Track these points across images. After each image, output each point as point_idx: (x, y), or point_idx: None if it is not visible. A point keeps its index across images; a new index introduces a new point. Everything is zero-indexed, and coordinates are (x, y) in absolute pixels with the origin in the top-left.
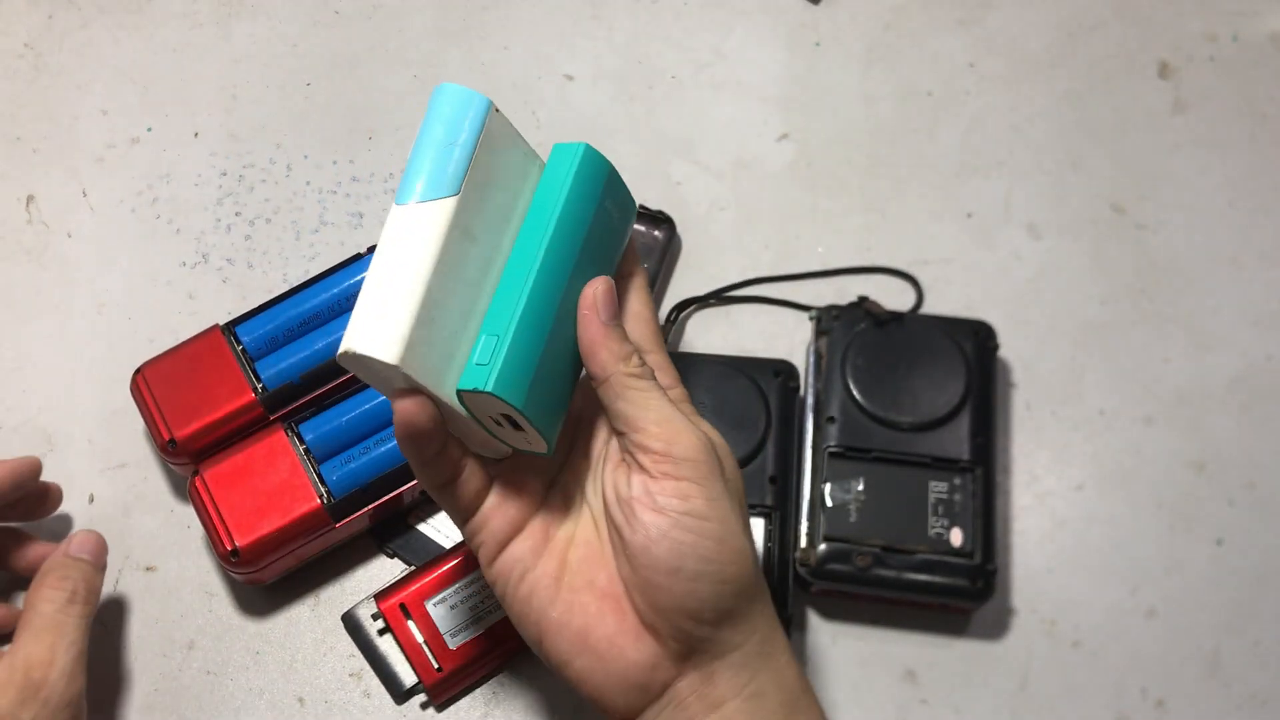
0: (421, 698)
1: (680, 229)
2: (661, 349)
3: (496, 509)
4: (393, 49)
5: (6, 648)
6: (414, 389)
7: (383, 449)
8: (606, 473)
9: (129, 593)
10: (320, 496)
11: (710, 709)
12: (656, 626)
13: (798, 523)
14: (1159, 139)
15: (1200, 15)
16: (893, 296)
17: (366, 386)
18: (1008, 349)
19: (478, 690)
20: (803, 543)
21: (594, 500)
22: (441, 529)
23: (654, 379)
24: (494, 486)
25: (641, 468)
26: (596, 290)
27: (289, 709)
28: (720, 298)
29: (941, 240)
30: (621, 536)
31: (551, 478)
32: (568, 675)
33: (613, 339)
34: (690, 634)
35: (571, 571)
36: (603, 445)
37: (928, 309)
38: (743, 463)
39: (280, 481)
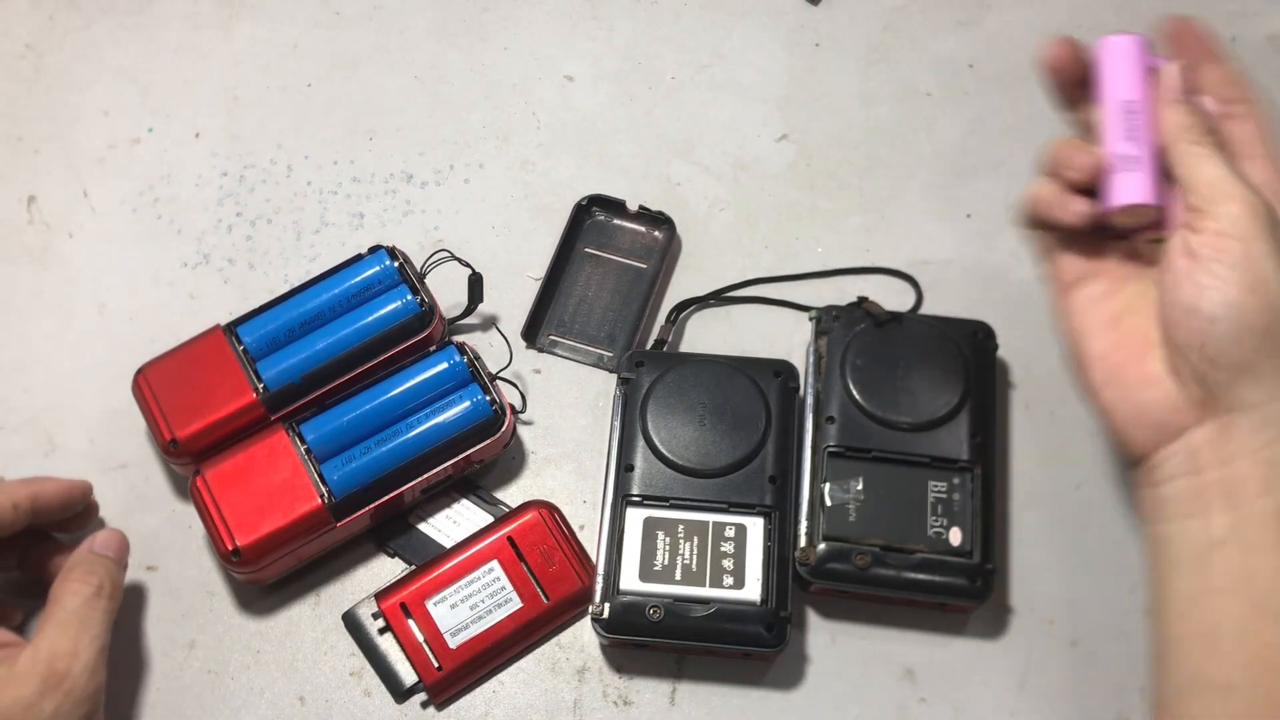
0: (422, 697)
1: (680, 229)
2: (1246, 100)
3: (1075, 249)
4: (393, 50)
5: (19, 640)
6: None
7: (383, 449)
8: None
9: (130, 592)
10: (321, 496)
11: (1222, 463)
12: (1178, 366)
13: (797, 522)
14: None
15: (1199, 16)
16: (892, 297)
17: (367, 386)
18: (1007, 349)
19: (478, 690)
20: (802, 542)
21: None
22: (441, 529)
23: (1214, 146)
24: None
25: (1189, 225)
26: (1170, 73)
27: (290, 708)
28: (720, 298)
29: (941, 240)
30: (1161, 281)
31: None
32: (1098, 402)
33: (1176, 113)
34: (1206, 376)
35: (1125, 317)
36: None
37: (927, 309)
38: (743, 462)
39: (281, 481)
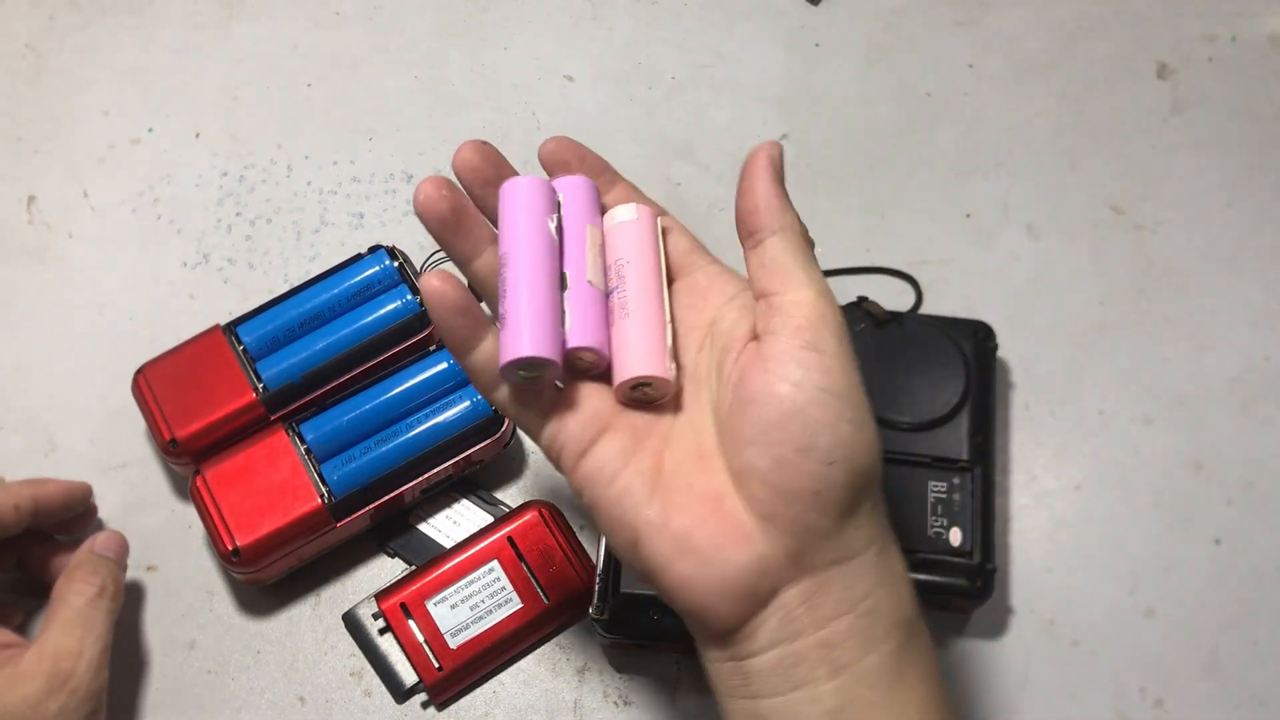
0: (422, 697)
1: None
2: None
3: (571, 411)
4: (393, 50)
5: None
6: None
7: (384, 449)
8: (733, 353)
9: (130, 592)
10: (321, 496)
11: (820, 624)
12: (776, 515)
13: None
14: (1157, 140)
15: (1199, 16)
16: (892, 296)
17: (367, 386)
18: (1007, 349)
19: (478, 690)
20: None
21: (693, 399)
22: (441, 529)
23: (811, 243)
24: (566, 389)
25: (776, 334)
26: (773, 152)
27: (290, 708)
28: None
29: (941, 240)
30: (747, 413)
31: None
32: (667, 582)
33: (780, 195)
34: (812, 525)
35: (669, 473)
36: (702, 341)
37: (927, 309)
38: None
39: (281, 481)
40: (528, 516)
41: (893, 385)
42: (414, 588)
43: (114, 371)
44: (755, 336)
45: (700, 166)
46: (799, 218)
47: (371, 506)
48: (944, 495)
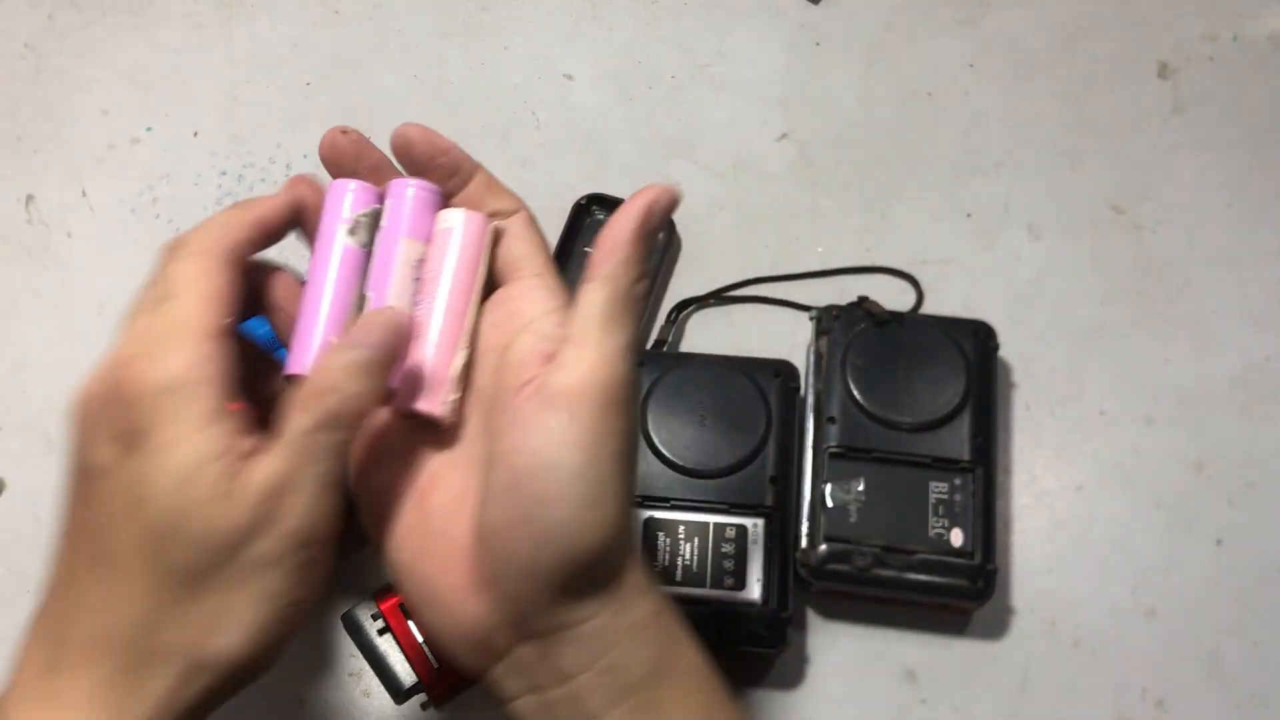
0: (421, 697)
1: (680, 229)
2: (512, 201)
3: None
4: (393, 49)
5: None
6: None
7: None
8: (509, 395)
9: None
10: None
11: (560, 679)
12: (496, 579)
13: (798, 523)
14: (1158, 139)
15: (1200, 15)
16: (893, 296)
17: None
18: (1008, 349)
19: (478, 690)
20: (803, 543)
21: (476, 430)
22: None
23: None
24: None
25: (540, 391)
26: (651, 199)
27: (289, 709)
28: (720, 298)
29: (941, 240)
30: (492, 469)
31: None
32: (418, 623)
33: (626, 245)
34: (525, 596)
35: (427, 515)
36: (497, 365)
37: (928, 309)
38: (743, 463)
39: None
40: None
41: (893, 385)
42: None
43: None
44: (530, 381)
45: (700, 166)
46: (638, 273)
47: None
48: (945, 496)
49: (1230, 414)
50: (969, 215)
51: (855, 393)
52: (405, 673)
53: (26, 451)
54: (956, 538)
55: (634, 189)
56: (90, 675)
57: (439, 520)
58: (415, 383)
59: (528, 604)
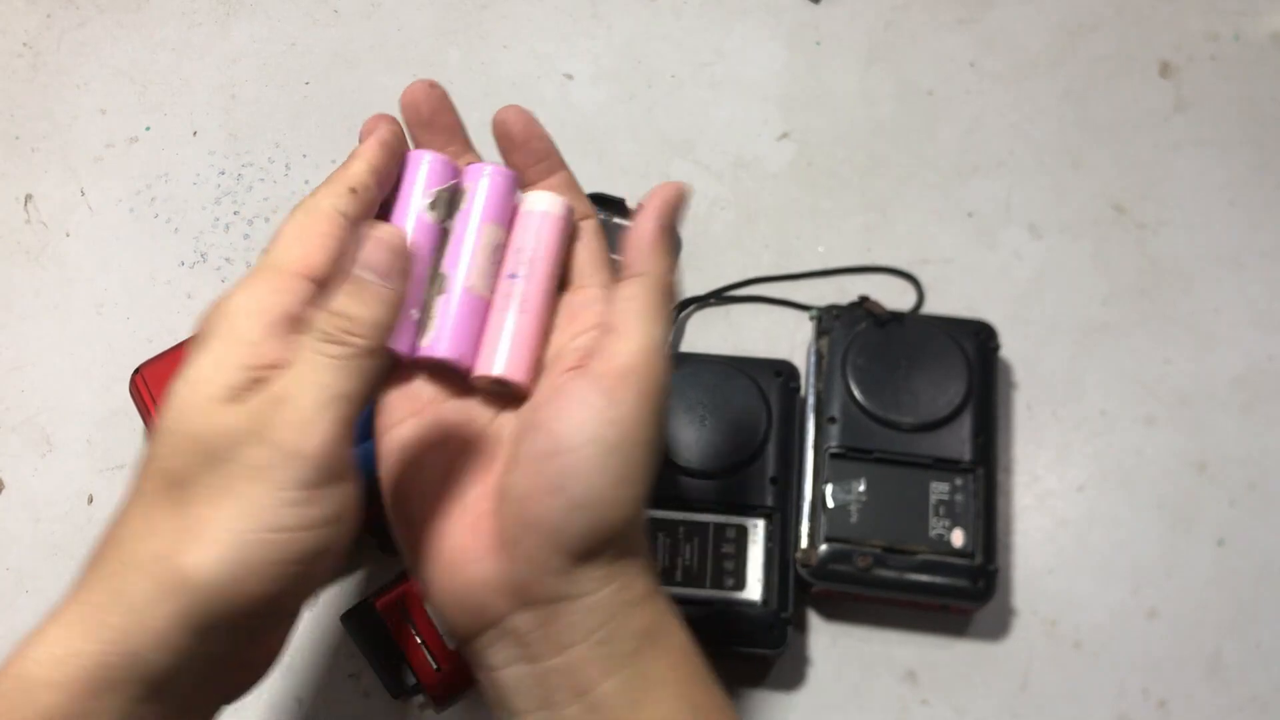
0: (421, 698)
1: (680, 229)
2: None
3: (391, 383)
4: (392, 48)
5: None
6: None
7: None
8: (550, 375)
9: None
10: None
11: (556, 650)
12: (515, 542)
13: (799, 523)
14: (1160, 138)
15: (1201, 14)
16: (893, 296)
17: None
18: (1009, 349)
19: (477, 690)
20: (804, 543)
21: (511, 409)
22: None
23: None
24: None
25: (584, 373)
26: (671, 194)
27: (288, 709)
28: (720, 298)
29: (942, 240)
30: (526, 437)
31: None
32: (417, 574)
33: (658, 239)
34: (543, 562)
35: (450, 477)
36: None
37: (928, 309)
38: (743, 463)
39: None
40: None
41: (894, 386)
42: (413, 588)
43: (112, 371)
44: (575, 366)
45: (700, 165)
46: (671, 266)
47: (371, 506)
48: (946, 496)
49: (1232, 414)
50: (970, 215)
51: (856, 393)
52: (405, 672)
53: (26, 452)
54: (957, 538)
55: (634, 189)
56: (85, 586)
57: (461, 483)
58: (513, 353)
59: (541, 569)
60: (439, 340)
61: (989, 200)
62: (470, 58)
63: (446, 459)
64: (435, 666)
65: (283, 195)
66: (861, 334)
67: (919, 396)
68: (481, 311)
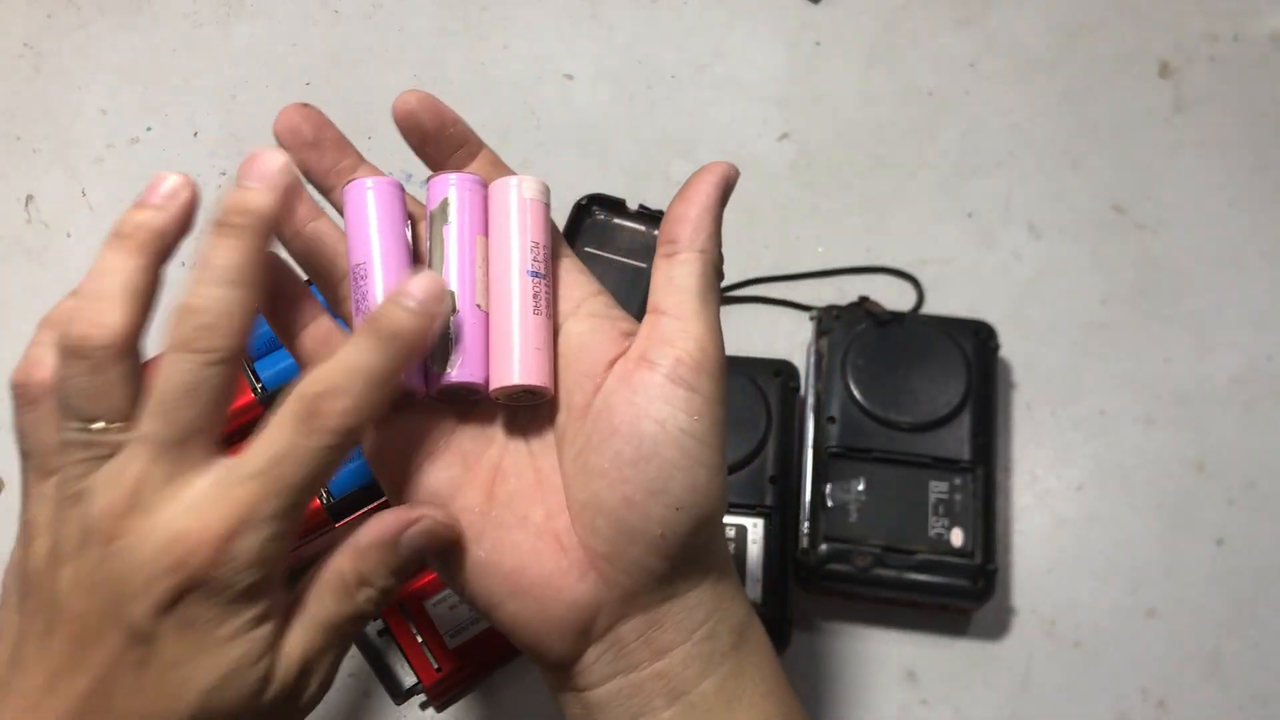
0: (421, 698)
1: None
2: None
3: (399, 424)
4: (392, 48)
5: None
6: None
7: None
8: (593, 379)
9: None
10: (320, 497)
11: (656, 655)
12: (615, 555)
13: (798, 523)
14: (1160, 139)
15: (1201, 15)
16: (893, 296)
17: None
18: (1008, 349)
19: (477, 690)
20: (803, 543)
21: (531, 418)
22: None
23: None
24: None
25: (653, 364)
26: (728, 173)
27: None
28: (720, 298)
29: (942, 240)
30: (606, 445)
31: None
32: (499, 619)
33: (714, 218)
34: (650, 568)
35: (503, 505)
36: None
37: (928, 309)
38: (743, 463)
39: None
40: None
41: (894, 385)
42: (413, 588)
43: None
44: (616, 359)
45: (700, 165)
46: (720, 247)
47: (371, 506)
48: (945, 496)
49: (1231, 414)
50: (969, 215)
51: (855, 393)
52: (405, 673)
53: None
54: (957, 538)
55: (634, 189)
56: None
57: (517, 509)
58: (536, 361)
59: (646, 575)
60: (464, 365)
61: (989, 200)
62: (470, 58)
63: (484, 494)
64: (435, 666)
65: None
66: (861, 334)
67: (918, 396)
68: (486, 325)
